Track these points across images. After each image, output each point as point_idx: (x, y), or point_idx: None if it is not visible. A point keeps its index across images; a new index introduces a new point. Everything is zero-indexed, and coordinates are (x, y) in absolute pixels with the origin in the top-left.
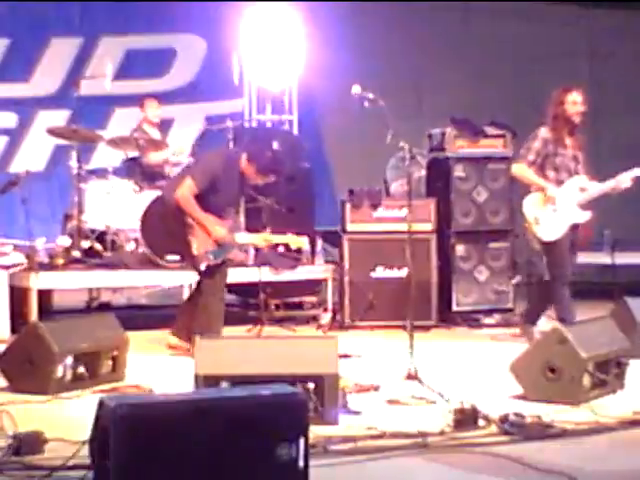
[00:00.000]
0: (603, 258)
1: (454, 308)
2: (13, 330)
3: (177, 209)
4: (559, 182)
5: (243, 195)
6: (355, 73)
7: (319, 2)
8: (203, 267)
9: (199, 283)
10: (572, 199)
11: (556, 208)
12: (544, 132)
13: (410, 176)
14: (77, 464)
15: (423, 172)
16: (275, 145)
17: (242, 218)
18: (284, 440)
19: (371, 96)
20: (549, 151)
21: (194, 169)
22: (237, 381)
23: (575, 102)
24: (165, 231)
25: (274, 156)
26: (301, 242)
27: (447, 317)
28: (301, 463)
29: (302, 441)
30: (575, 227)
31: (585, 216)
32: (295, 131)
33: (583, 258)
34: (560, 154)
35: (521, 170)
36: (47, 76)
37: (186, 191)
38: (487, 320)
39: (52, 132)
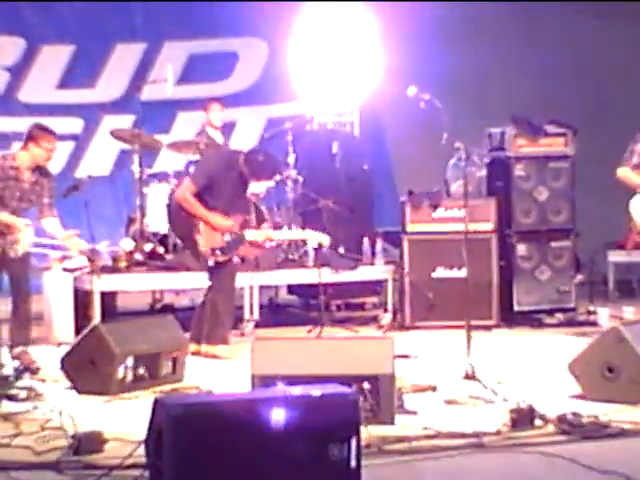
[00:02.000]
0: None
1: (515, 308)
2: (77, 332)
3: (181, 209)
4: None
5: (246, 195)
6: (416, 74)
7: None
8: (211, 263)
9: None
10: None
11: None
12: None
13: (467, 176)
14: (134, 463)
15: (484, 172)
16: (335, 147)
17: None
18: (336, 440)
19: (427, 97)
20: None
21: (194, 169)
22: (293, 381)
23: None
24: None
25: (267, 161)
26: (321, 238)
27: (509, 317)
28: (353, 463)
29: (354, 441)
30: None
31: None
32: (356, 132)
33: None
34: None
35: (625, 173)
36: (112, 81)
37: (185, 191)
38: (549, 320)
39: (115, 135)
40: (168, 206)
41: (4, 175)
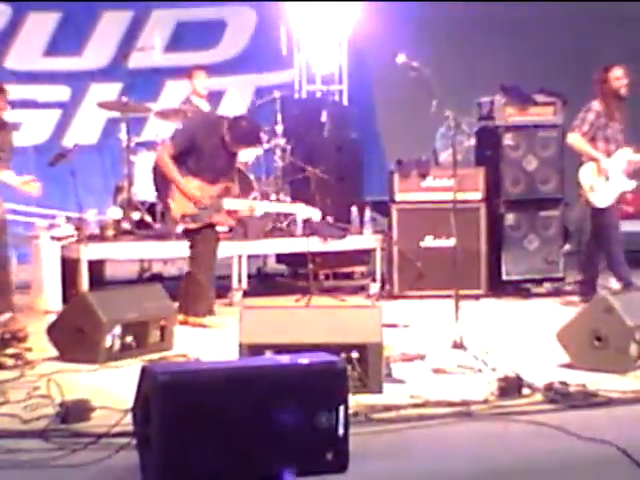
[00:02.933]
0: None
1: (504, 277)
2: (65, 301)
3: (159, 172)
4: (608, 153)
5: (233, 162)
6: (405, 42)
7: None
8: (179, 230)
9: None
10: (620, 169)
11: (608, 177)
12: (597, 105)
13: (456, 145)
14: (122, 431)
15: (473, 141)
16: (323, 116)
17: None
18: (323, 408)
19: (415, 65)
20: (601, 123)
21: (175, 131)
22: (281, 350)
23: (618, 77)
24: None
25: (250, 128)
26: (310, 212)
27: (496, 286)
28: (341, 431)
29: (342, 409)
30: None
31: (632, 185)
32: (345, 102)
33: (638, 226)
34: (610, 127)
35: (576, 140)
36: (99, 49)
37: (163, 153)
38: (537, 289)
39: (103, 106)
40: (153, 169)
41: None
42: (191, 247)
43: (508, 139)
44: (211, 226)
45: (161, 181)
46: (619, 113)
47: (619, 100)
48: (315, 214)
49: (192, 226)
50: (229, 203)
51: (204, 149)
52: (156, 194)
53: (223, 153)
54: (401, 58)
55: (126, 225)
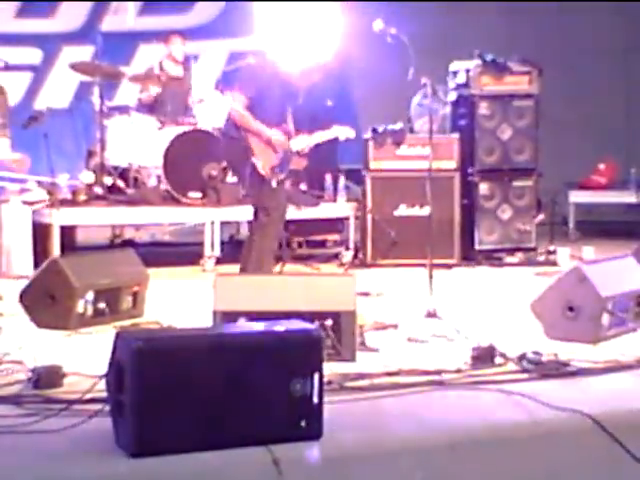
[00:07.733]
0: (629, 197)
1: (477, 247)
2: (36, 266)
3: (231, 137)
4: None
5: (290, 101)
6: (381, 9)
7: None
8: (275, 184)
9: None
10: None
11: None
12: None
13: (432, 113)
14: (94, 397)
15: (448, 109)
16: None
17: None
18: (298, 375)
19: (393, 31)
20: None
21: (236, 83)
22: (255, 317)
23: None
24: (191, 167)
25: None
26: (348, 132)
27: (469, 256)
28: (315, 399)
29: (316, 377)
30: None
31: None
32: None
33: (610, 197)
34: None
35: None
36: (72, 11)
37: (237, 105)
38: (509, 259)
39: (75, 67)
40: (223, 134)
41: None
42: (259, 212)
43: (483, 108)
44: (282, 187)
45: (235, 144)
46: None
47: None
48: (351, 133)
49: (282, 176)
50: (295, 144)
51: (267, 94)
52: (230, 164)
53: (284, 94)
54: (378, 24)
55: (98, 190)
